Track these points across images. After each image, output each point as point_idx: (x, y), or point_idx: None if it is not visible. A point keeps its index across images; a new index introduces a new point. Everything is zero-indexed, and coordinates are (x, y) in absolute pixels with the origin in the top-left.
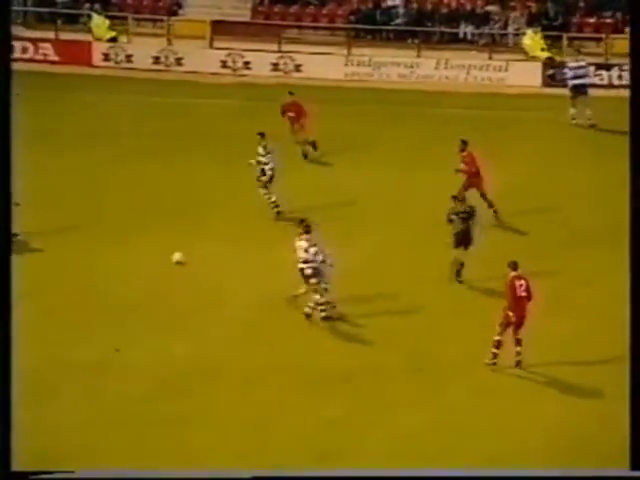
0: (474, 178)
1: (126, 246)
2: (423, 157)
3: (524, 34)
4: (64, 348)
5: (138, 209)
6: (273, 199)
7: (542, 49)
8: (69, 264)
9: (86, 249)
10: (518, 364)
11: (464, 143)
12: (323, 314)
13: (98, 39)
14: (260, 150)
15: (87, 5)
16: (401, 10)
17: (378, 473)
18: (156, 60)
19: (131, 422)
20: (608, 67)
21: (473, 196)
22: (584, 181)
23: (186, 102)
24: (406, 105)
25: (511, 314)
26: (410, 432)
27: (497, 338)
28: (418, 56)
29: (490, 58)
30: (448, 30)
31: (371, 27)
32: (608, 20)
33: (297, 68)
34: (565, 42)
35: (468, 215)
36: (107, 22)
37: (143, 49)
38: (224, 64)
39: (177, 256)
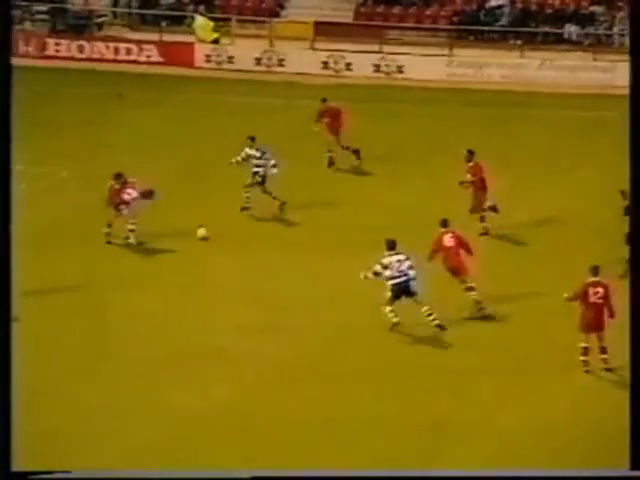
0: (479, 189)
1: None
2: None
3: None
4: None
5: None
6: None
7: None
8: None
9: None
10: (608, 370)
11: (470, 153)
12: (436, 322)
13: (201, 41)
14: (254, 152)
15: (191, 7)
16: (506, 10)
17: (378, 473)
18: (258, 61)
19: None
20: None
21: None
22: None
23: (287, 103)
24: (509, 106)
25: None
26: (511, 432)
27: (582, 345)
28: (521, 57)
29: (595, 59)
30: (552, 30)
31: (475, 28)
32: None
33: (399, 69)
34: None
35: None
36: (210, 24)
37: (245, 50)
38: (325, 65)
39: (201, 232)
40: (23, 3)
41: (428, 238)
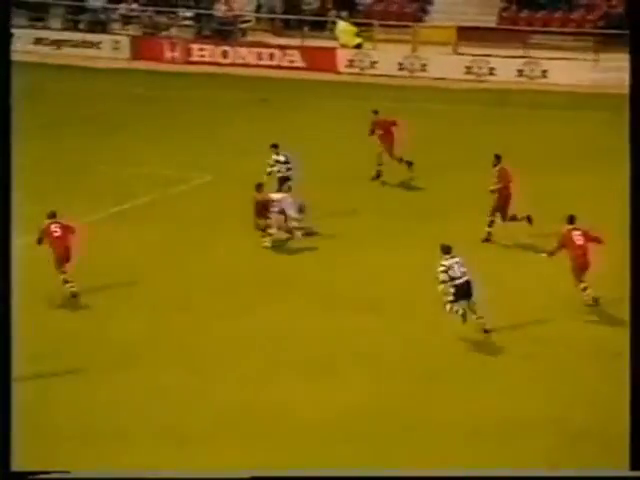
0: (503, 195)
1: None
2: None
3: None
4: None
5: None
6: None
7: None
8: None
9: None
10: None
11: (497, 158)
12: (488, 326)
13: (344, 46)
14: (280, 158)
15: (334, 12)
16: None
17: (378, 473)
18: (400, 66)
19: None
20: None
21: None
22: None
23: (429, 107)
24: None
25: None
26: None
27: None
28: None
29: None
30: None
31: (621, 32)
32: None
33: (543, 74)
34: None
35: None
36: (353, 29)
37: (388, 55)
38: (469, 70)
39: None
40: (168, 9)
41: None
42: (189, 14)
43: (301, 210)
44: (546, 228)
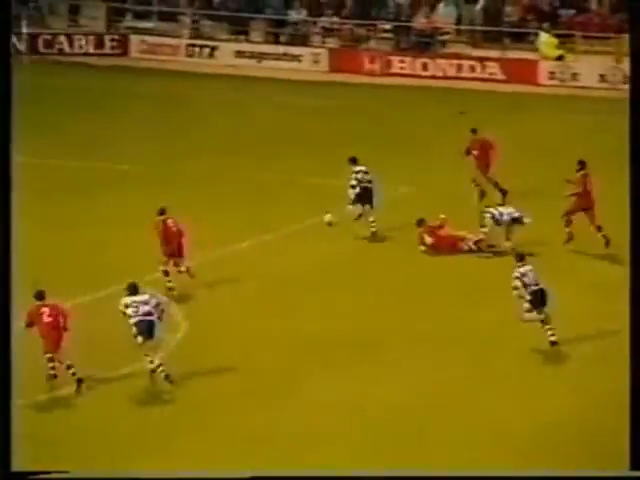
0: (583, 202)
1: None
2: None
3: None
4: None
5: None
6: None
7: None
8: None
9: None
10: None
11: (581, 163)
12: (553, 338)
13: (545, 57)
14: (364, 169)
15: (534, 23)
16: None
17: (378, 473)
18: (602, 78)
19: None
20: None
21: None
22: None
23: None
24: None
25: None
26: None
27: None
28: None
29: None
30: None
31: None
32: None
33: None
34: None
35: None
36: (555, 40)
37: (590, 67)
38: None
39: (328, 217)
40: (368, 22)
41: None
42: (388, 27)
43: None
44: None
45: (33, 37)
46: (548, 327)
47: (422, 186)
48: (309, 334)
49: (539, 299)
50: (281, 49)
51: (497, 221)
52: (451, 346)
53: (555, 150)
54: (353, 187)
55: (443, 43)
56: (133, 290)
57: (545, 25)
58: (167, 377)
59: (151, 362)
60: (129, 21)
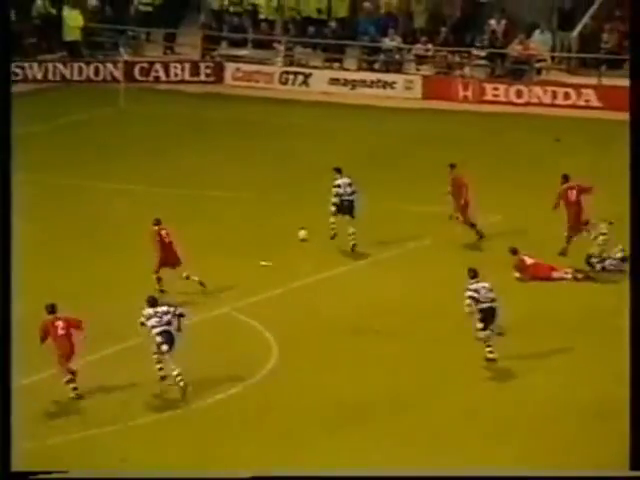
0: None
1: None
2: None
3: None
4: None
5: None
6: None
7: None
8: None
9: None
10: None
11: (565, 177)
12: (491, 355)
13: None
14: (346, 180)
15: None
16: None
17: (378, 473)
18: None
19: None
20: None
21: None
22: None
23: None
24: None
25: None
26: None
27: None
28: None
29: None
30: None
31: None
32: None
33: None
34: None
35: None
36: None
37: None
38: None
39: (302, 234)
40: (463, 49)
41: None
42: (483, 53)
43: None
44: None
45: (130, 65)
46: (488, 344)
47: (510, 215)
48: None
49: (489, 316)
50: (375, 76)
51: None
52: None
53: None
54: (334, 197)
55: (538, 70)
56: (153, 302)
57: None
58: (185, 386)
59: (173, 370)
60: (224, 49)
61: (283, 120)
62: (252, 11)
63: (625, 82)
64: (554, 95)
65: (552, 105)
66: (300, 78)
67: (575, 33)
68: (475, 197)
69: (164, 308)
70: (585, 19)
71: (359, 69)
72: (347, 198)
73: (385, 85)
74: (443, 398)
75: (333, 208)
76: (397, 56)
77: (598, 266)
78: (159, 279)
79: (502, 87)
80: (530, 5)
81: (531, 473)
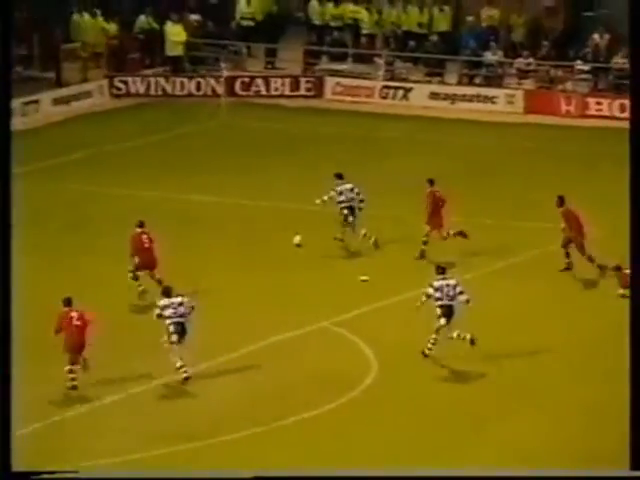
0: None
1: None
2: None
3: None
4: None
5: None
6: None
7: None
8: None
9: None
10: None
11: (561, 199)
12: (427, 351)
13: None
14: (348, 186)
15: None
16: None
17: (378, 473)
18: None
19: None
20: None
21: None
22: None
23: None
24: None
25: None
26: None
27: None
28: None
29: None
30: None
31: None
32: None
33: None
34: None
35: None
36: None
37: None
38: None
39: (297, 239)
40: (566, 63)
41: None
42: (586, 67)
43: None
44: None
45: (231, 79)
46: (433, 338)
47: (616, 231)
48: None
49: (446, 314)
50: (475, 90)
51: None
52: None
53: None
54: (340, 204)
55: None
56: (168, 292)
57: None
58: (187, 379)
59: (180, 359)
60: (325, 63)
61: (384, 134)
62: (353, 25)
63: None
64: None
65: None
66: (400, 92)
67: None
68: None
69: (178, 299)
70: None
71: (459, 83)
72: (350, 204)
73: (486, 99)
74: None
75: (346, 216)
76: (498, 70)
77: None
78: (136, 278)
79: (605, 101)
80: None
81: (531, 473)
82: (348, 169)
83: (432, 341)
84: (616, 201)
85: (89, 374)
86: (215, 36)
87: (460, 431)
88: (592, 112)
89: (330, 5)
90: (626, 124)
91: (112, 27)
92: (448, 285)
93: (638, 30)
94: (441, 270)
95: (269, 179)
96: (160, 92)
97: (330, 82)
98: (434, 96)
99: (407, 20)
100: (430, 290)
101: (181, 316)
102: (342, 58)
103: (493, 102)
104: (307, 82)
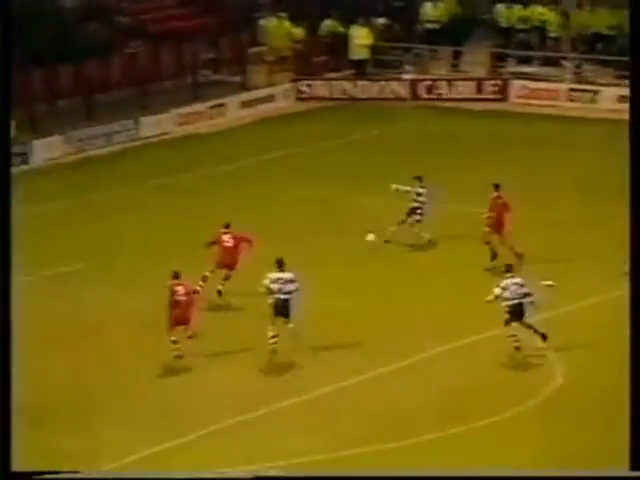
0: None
1: None
2: None
3: None
4: None
5: None
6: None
7: None
8: None
9: None
10: None
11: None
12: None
13: None
14: (420, 190)
15: None
16: None
17: (378, 474)
18: None
19: None
20: None
21: None
22: None
23: None
24: None
25: None
26: None
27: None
28: None
29: None
30: None
31: None
32: None
33: None
34: None
35: None
36: None
37: None
38: None
39: (370, 237)
40: None
41: None
42: None
43: None
44: None
45: (415, 82)
46: (514, 337)
47: None
48: None
49: (517, 313)
50: None
51: None
52: None
53: None
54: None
55: None
56: (281, 264)
57: None
58: (274, 351)
59: (274, 336)
60: (511, 66)
61: (572, 138)
62: (540, 28)
63: None
64: None
65: None
66: (588, 96)
67: None
68: None
69: (290, 275)
70: None
71: None
72: (414, 205)
73: None
74: None
75: (417, 217)
76: None
77: None
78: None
79: None
80: None
81: (531, 473)
82: (532, 172)
83: (514, 339)
84: None
85: None
86: (400, 39)
87: None
88: None
89: (518, 7)
90: None
91: (299, 31)
92: (515, 283)
93: (638, 30)
94: (508, 269)
95: (458, 181)
96: (344, 95)
97: (515, 85)
98: (623, 99)
99: (596, 22)
100: (497, 290)
101: (288, 293)
102: (529, 61)
103: None
104: (492, 85)
